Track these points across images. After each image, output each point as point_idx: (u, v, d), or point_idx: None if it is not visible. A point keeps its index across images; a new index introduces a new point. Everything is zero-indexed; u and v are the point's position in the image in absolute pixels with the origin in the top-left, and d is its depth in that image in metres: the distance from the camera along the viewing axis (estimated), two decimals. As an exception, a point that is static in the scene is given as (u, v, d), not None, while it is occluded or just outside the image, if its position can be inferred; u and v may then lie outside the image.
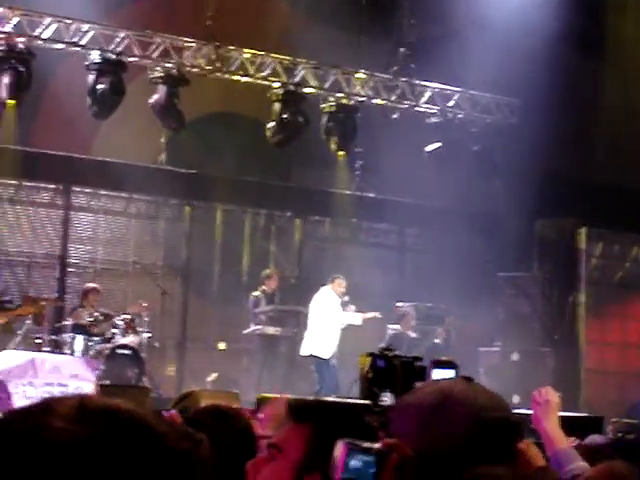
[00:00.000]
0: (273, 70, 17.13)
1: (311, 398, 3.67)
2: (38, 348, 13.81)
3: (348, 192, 18.62)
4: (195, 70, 16.72)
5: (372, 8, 17.69)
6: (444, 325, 16.88)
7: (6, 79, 15.27)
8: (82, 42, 15.83)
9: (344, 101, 17.70)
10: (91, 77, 15.80)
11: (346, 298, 15.59)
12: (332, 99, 17.66)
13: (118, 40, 16.03)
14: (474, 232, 17.34)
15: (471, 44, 16.73)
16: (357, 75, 17.77)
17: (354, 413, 2.58)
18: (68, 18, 15.66)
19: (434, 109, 18.29)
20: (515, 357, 17.05)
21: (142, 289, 16.65)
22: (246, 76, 16.99)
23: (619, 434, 9.18)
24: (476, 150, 18.28)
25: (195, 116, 17.00)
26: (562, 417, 4.47)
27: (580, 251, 17.96)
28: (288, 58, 17.23)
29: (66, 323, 14.56)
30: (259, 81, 17.12)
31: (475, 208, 18.04)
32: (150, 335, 15.03)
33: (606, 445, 5.38)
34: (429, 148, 18.20)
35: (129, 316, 14.79)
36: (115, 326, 14.58)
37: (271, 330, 15.94)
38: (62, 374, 12.67)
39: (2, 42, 15.34)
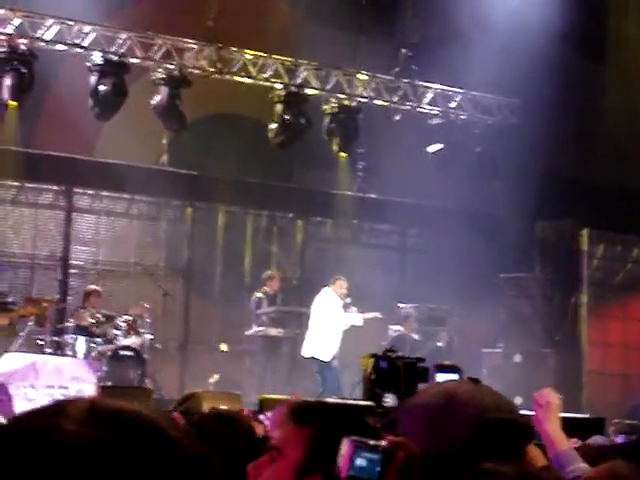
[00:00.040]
0: (275, 71, 17.13)
1: (312, 400, 3.68)
2: (40, 349, 13.80)
3: (350, 193, 18.60)
4: (197, 71, 16.72)
5: (372, 8, 17.69)
6: (446, 326, 16.87)
7: (8, 81, 15.28)
8: (84, 43, 15.83)
9: (346, 102, 17.70)
10: (93, 78, 15.81)
11: (348, 299, 15.55)
12: (334, 100, 17.66)
13: (120, 41, 16.03)
14: (476, 233, 17.32)
15: (473, 45, 16.71)
16: (359, 76, 17.77)
17: (356, 414, 2.57)
18: (70, 20, 15.67)
19: (436, 110, 18.29)
20: (518, 358, 17.01)
21: (144, 290, 16.62)
22: (248, 77, 17.00)
23: (620, 436, 9.18)
24: (478, 151, 18.28)
25: (197, 117, 16.98)
26: (564, 418, 4.47)
27: (581, 252, 17.96)
28: (290, 59, 17.23)
29: (68, 324, 14.57)
30: (261, 82, 17.12)
31: (477, 209, 18.03)
32: (152, 337, 15.03)
33: (608, 447, 5.39)
34: (431, 149, 18.20)
35: (131, 317, 14.79)
36: (117, 327, 14.58)
37: (273, 331, 15.93)
38: (63, 376, 12.63)
39: (4, 44, 15.34)
